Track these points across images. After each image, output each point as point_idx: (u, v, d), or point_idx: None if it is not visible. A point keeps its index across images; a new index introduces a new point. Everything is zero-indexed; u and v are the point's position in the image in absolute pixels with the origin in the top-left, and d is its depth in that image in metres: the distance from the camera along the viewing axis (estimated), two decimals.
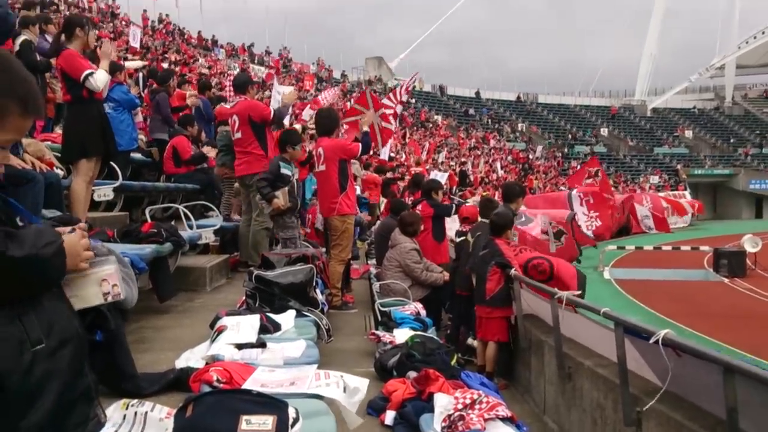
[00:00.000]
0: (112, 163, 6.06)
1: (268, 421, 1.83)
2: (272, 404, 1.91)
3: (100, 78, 5.10)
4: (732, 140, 56.63)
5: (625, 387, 3.57)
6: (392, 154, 23.32)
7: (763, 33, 59.24)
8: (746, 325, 11.12)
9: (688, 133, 57.61)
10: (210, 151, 8.54)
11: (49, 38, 8.12)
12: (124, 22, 30.06)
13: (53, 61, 7.86)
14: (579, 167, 48.34)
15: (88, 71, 5.03)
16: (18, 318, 1.37)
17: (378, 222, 11.58)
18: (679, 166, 51.80)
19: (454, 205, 8.57)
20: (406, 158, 25.47)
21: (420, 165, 22.18)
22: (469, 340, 6.98)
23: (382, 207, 13.05)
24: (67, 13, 19.00)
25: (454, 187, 20.82)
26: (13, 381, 1.34)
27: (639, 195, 31.44)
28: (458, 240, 7.75)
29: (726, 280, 15.43)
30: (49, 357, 1.41)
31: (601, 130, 57.51)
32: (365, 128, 6.76)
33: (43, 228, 1.52)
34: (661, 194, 34.35)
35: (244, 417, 1.82)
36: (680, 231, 28.65)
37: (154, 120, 9.17)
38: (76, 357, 1.49)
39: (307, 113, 13.46)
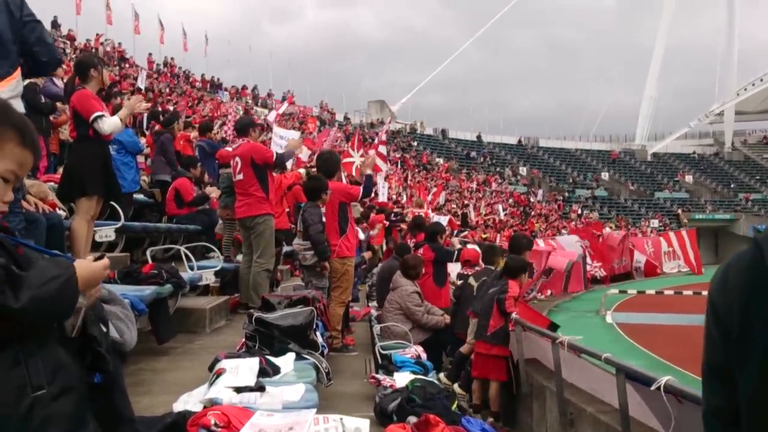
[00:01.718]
0: (114, 204, 6.09)
1: None
2: None
3: (109, 123, 5.13)
4: (732, 185, 56.87)
5: None
6: (394, 196, 23.43)
7: (761, 80, 60.06)
8: None
9: (689, 178, 57.88)
10: (213, 192, 8.59)
11: (57, 81, 8.27)
12: (130, 65, 30.61)
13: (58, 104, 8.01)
14: (581, 213, 48.56)
15: (98, 113, 5.06)
16: (24, 361, 1.36)
17: (380, 264, 11.58)
18: (680, 211, 51.88)
19: (456, 251, 8.54)
20: (408, 200, 25.54)
21: (422, 207, 22.25)
22: (443, 379, 6.76)
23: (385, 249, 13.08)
24: (74, 56, 19.35)
25: (455, 231, 20.86)
26: (11, 427, 1.32)
27: (640, 239, 31.37)
28: (459, 282, 7.75)
29: None
30: (49, 403, 1.39)
31: (602, 174, 57.80)
32: (368, 171, 6.80)
33: (51, 262, 1.51)
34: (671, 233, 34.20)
35: None
36: (682, 276, 28.50)
37: (156, 161, 9.25)
38: (78, 405, 1.47)
39: (306, 154, 13.58)
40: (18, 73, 3.63)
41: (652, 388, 3.03)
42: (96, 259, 1.67)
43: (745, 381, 1.08)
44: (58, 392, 1.42)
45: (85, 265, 1.56)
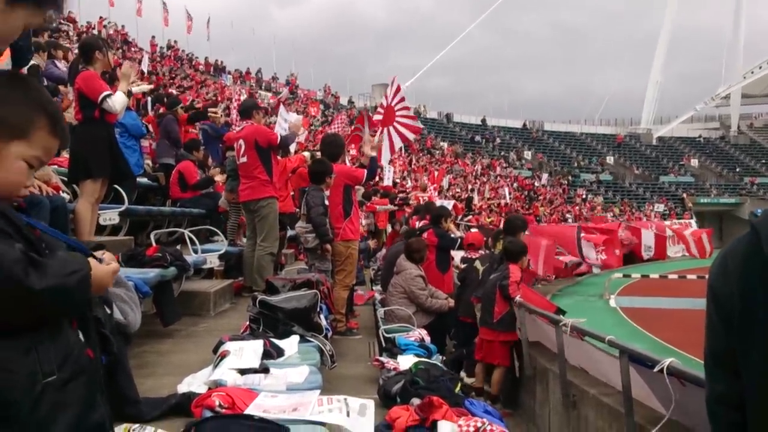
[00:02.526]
0: (118, 187, 6.10)
1: None
2: (274, 429, 1.90)
3: (118, 100, 5.13)
4: (738, 169, 56.62)
5: (629, 416, 3.54)
6: (397, 180, 23.40)
7: None
8: None
9: (694, 162, 57.64)
10: (217, 174, 8.57)
11: (59, 64, 8.24)
12: (133, 48, 30.50)
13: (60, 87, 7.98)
14: (585, 198, 48.44)
15: (106, 92, 5.07)
16: (35, 348, 1.36)
17: (383, 248, 11.60)
18: (685, 195, 51.72)
19: (459, 238, 8.48)
20: (414, 186, 25.49)
21: (425, 191, 22.23)
22: (464, 378, 6.84)
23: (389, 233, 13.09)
24: (76, 38, 19.28)
25: (459, 216, 20.86)
26: (23, 412, 1.33)
27: (645, 223, 31.37)
28: (464, 266, 7.74)
29: None
30: (60, 388, 1.40)
31: (607, 158, 57.61)
32: (373, 153, 6.77)
33: (70, 254, 1.51)
34: (667, 222, 34.29)
35: None
36: (686, 260, 28.47)
37: (161, 145, 9.25)
38: (89, 389, 1.48)
39: (302, 134, 13.54)
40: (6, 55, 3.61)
41: (656, 369, 3.04)
42: (95, 248, 1.66)
43: (749, 366, 1.08)
44: (68, 377, 1.43)
45: (98, 267, 1.56)
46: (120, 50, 27.52)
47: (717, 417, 1.20)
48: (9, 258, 1.31)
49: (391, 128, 8.82)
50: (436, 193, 22.91)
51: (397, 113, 8.86)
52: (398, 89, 9.02)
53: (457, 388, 4.44)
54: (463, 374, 6.68)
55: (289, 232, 8.83)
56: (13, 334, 1.34)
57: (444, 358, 6.20)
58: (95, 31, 27.20)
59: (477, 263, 7.47)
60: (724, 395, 1.16)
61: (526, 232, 7.81)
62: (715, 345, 1.17)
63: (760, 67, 59.83)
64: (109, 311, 2.63)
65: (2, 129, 1.44)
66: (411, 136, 9.43)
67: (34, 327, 1.37)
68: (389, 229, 13.56)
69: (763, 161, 57.30)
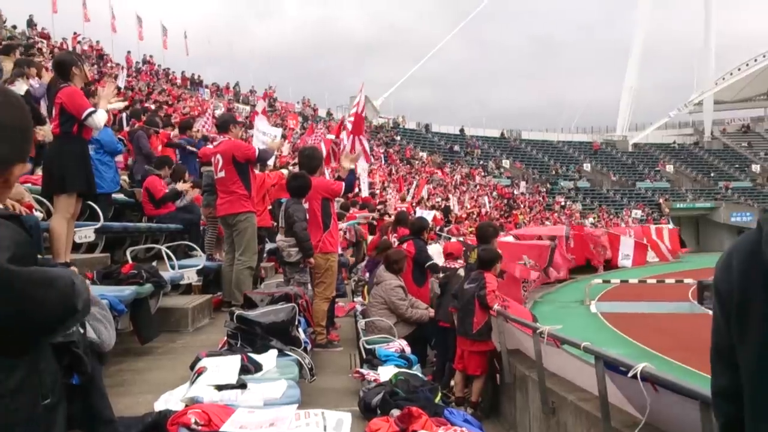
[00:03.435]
0: (93, 204, 6.05)
1: None
2: None
3: (100, 117, 5.18)
4: (712, 174, 57.48)
5: (606, 421, 3.57)
6: (376, 192, 23.42)
7: (739, 69, 60.75)
8: None
9: (669, 168, 58.42)
10: (184, 186, 8.52)
11: (32, 81, 8.17)
12: (109, 63, 30.29)
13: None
14: (564, 205, 48.87)
15: (90, 109, 5.12)
16: (37, 370, 1.36)
17: (366, 259, 11.58)
18: (661, 200, 52.37)
19: (432, 263, 8.35)
20: (396, 197, 25.51)
21: (405, 202, 22.27)
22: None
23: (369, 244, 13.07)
24: (50, 55, 19.11)
25: (439, 227, 20.92)
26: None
27: (623, 229, 31.86)
28: (444, 274, 7.75)
29: (710, 312, 15.51)
30: (51, 410, 1.40)
31: (584, 165, 58.18)
32: (351, 166, 6.79)
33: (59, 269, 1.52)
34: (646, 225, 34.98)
35: None
36: (664, 264, 28.82)
37: (137, 161, 9.18)
38: (64, 416, 1.49)
39: (287, 148, 13.54)
40: None
41: (630, 375, 3.07)
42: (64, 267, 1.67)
43: (744, 359, 1.11)
44: (57, 401, 1.43)
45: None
46: (95, 65, 27.31)
47: (718, 410, 1.23)
48: (69, 280, 1.34)
49: (362, 137, 8.87)
50: (415, 203, 22.96)
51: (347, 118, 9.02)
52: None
53: (437, 398, 4.45)
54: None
55: (268, 246, 8.80)
56: (18, 355, 1.33)
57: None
58: (70, 47, 26.97)
59: (461, 271, 7.46)
60: (724, 389, 1.19)
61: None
62: (718, 340, 1.20)
63: (732, 74, 60.96)
64: (82, 331, 2.60)
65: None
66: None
67: (32, 349, 1.37)
68: (370, 239, 13.54)
69: (737, 166, 58.27)
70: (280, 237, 6.35)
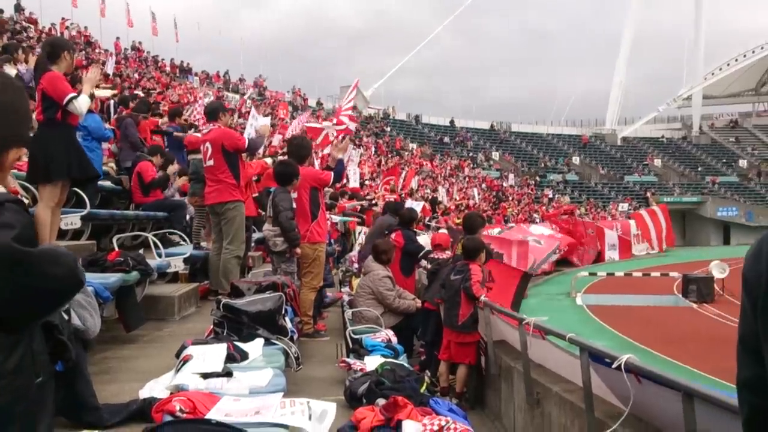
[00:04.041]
0: (79, 190, 6.00)
1: None
2: None
3: (83, 102, 5.11)
4: (699, 168, 57.88)
5: (590, 412, 3.60)
6: (366, 182, 23.40)
7: (728, 65, 61.04)
8: (713, 349, 11.25)
9: (657, 162, 58.74)
10: (174, 168, 8.47)
11: (20, 67, 8.10)
12: (97, 50, 30.00)
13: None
14: (552, 198, 49.06)
15: (72, 95, 5.04)
16: (31, 349, 1.39)
17: (355, 250, 11.60)
18: (649, 194, 52.68)
19: (424, 250, 8.43)
20: (385, 187, 25.48)
21: (395, 192, 22.25)
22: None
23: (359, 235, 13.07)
24: (37, 39, 18.91)
25: (428, 217, 20.94)
26: (18, 412, 1.35)
27: (609, 222, 32.05)
28: (432, 264, 7.76)
29: (695, 306, 15.65)
30: (42, 391, 1.43)
31: (573, 158, 58.39)
32: (339, 156, 6.78)
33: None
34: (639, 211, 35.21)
35: None
36: (651, 258, 29.05)
37: (123, 147, 9.12)
38: (52, 394, 1.52)
39: (277, 138, 13.53)
40: None
41: (614, 366, 3.10)
42: None
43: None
44: (47, 380, 1.47)
45: None
46: (83, 52, 27.03)
47: (742, 402, 1.23)
48: (73, 257, 1.43)
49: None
50: (404, 195, 22.94)
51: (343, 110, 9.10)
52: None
53: (423, 388, 4.47)
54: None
55: (256, 235, 8.78)
56: (20, 332, 1.39)
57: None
58: (58, 33, 26.66)
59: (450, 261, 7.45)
60: (748, 380, 1.19)
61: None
62: (744, 330, 1.20)
63: (721, 69, 61.24)
64: (66, 317, 2.59)
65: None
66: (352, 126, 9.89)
67: (28, 326, 1.41)
68: (359, 230, 13.55)
69: (724, 161, 58.69)
70: (267, 226, 6.34)
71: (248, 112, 12.11)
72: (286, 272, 5.98)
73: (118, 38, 36.03)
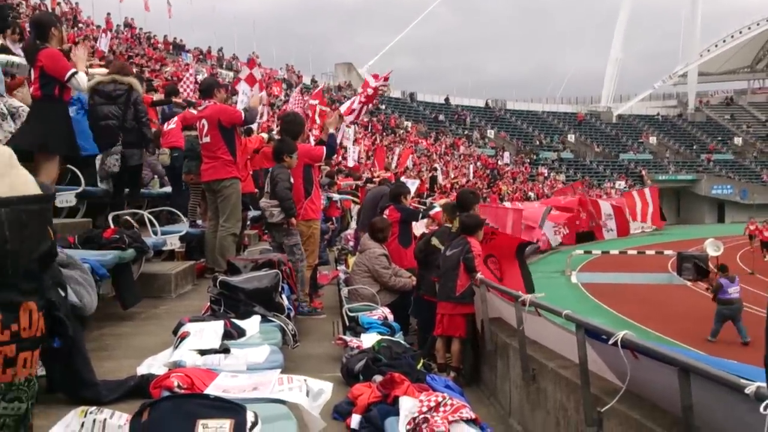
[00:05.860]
0: (74, 168, 5.97)
1: (225, 425, 1.82)
2: (229, 408, 1.91)
3: (83, 78, 5.16)
4: (694, 146, 57.93)
5: (586, 388, 3.62)
6: (361, 160, 23.34)
7: (724, 41, 60.87)
8: (707, 326, 11.36)
9: (652, 140, 58.76)
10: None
11: (8, 42, 7.98)
12: (86, 26, 29.64)
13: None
14: (547, 176, 49.09)
15: (73, 70, 5.08)
16: None
17: (351, 228, 11.61)
18: (643, 172, 52.76)
19: (421, 211, 8.56)
20: (379, 165, 25.42)
21: (389, 171, 22.22)
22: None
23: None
24: (28, 15, 18.65)
25: (424, 194, 20.94)
26: None
27: (604, 200, 32.26)
28: (418, 243, 7.75)
29: (689, 283, 15.78)
30: None
31: (568, 136, 58.34)
32: (331, 130, 6.73)
33: None
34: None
35: (201, 421, 1.81)
36: (645, 236, 29.20)
37: None
38: None
39: (266, 112, 13.51)
40: None
41: (610, 342, 3.11)
42: None
43: None
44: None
45: None
46: (74, 28, 26.71)
47: None
48: None
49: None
50: (400, 174, 22.92)
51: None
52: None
53: (419, 365, 4.49)
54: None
55: (252, 213, 8.75)
56: None
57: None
58: (49, 8, 26.30)
59: (434, 240, 7.39)
60: None
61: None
62: None
63: (717, 45, 61.09)
64: (63, 294, 2.59)
65: None
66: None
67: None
68: (354, 209, 13.56)
69: (719, 138, 58.74)
70: (264, 199, 6.32)
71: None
72: (288, 246, 5.97)
73: (109, 14, 35.56)
